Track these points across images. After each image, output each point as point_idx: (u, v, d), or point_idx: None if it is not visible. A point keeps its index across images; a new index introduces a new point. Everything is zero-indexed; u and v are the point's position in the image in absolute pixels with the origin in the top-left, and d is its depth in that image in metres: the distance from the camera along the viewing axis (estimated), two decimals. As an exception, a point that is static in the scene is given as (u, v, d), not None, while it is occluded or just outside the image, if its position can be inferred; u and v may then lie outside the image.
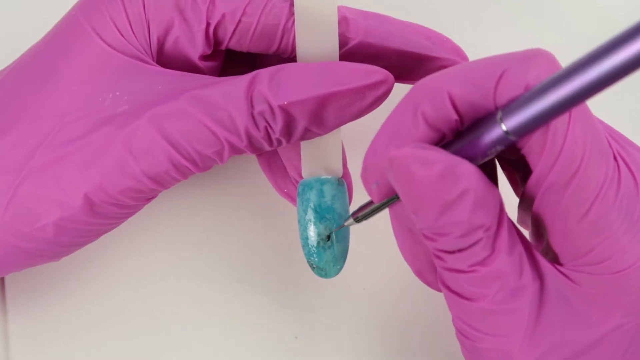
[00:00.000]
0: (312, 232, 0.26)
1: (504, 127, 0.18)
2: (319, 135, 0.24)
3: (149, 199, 0.26)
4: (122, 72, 0.24)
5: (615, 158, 0.20)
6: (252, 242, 0.32)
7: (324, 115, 0.23)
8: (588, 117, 0.20)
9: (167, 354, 0.30)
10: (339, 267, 0.27)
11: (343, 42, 0.25)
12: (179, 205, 0.32)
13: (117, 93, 0.24)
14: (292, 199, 0.29)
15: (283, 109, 0.23)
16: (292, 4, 0.24)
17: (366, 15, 0.26)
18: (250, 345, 0.30)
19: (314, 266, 0.27)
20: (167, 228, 0.31)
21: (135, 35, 0.25)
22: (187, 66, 0.25)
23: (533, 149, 0.20)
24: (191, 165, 0.24)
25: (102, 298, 0.30)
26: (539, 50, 0.20)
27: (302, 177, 0.27)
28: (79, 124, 0.24)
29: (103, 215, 0.25)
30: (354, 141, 0.26)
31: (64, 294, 0.30)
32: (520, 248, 0.21)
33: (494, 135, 0.19)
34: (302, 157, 0.26)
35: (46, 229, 0.24)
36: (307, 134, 0.24)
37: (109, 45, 0.24)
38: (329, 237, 0.26)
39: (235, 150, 0.24)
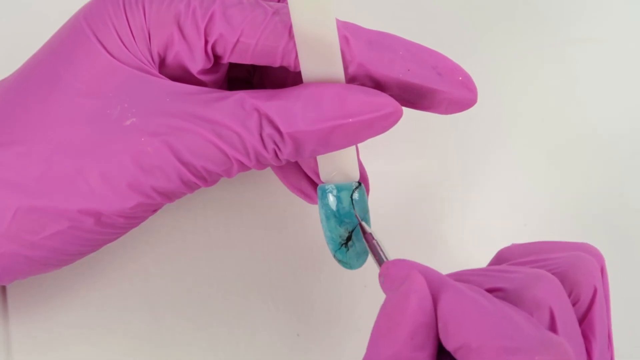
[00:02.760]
0: (332, 233, 0.27)
1: None
2: (326, 153, 0.25)
3: (154, 210, 0.26)
4: (129, 84, 0.24)
5: None
6: (253, 240, 0.32)
7: (331, 140, 0.24)
8: None
9: (168, 353, 0.30)
10: (362, 261, 0.28)
11: (343, 66, 0.24)
12: (181, 206, 0.32)
13: (125, 105, 0.24)
14: (306, 196, 0.30)
15: (292, 136, 0.23)
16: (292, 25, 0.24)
17: (370, 39, 0.25)
18: (252, 342, 0.30)
19: (339, 260, 0.28)
20: (167, 229, 0.32)
21: (138, 48, 0.24)
22: (190, 79, 0.25)
23: None
24: (200, 182, 0.25)
25: (103, 302, 0.30)
26: None
27: (320, 179, 0.27)
28: (87, 136, 0.24)
29: (111, 225, 0.25)
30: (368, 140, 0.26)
31: (65, 297, 0.30)
32: None
33: None
34: (319, 163, 0.27)
35: (53, 238, 0.24)
36: (314, 154, 0.25)
37: (114, 57, 0.24)
38: (349, 238, 0.27)
39: (244, 168, 0.24)
